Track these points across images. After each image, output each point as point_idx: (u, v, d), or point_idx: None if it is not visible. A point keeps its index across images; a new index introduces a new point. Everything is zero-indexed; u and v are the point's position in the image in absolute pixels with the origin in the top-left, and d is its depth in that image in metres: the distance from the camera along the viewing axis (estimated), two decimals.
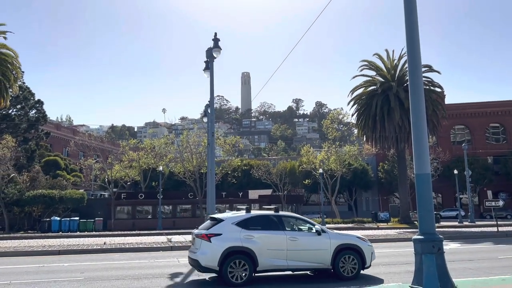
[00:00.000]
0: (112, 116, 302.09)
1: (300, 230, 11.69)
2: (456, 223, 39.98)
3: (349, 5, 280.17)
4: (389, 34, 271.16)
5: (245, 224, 11.09)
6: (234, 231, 10.86)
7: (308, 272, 12.09)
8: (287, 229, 11.42)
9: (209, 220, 11.92)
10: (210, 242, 10.65)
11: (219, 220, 11.27)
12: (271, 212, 11.81)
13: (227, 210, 13.20)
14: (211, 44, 22.17)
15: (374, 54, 40.78)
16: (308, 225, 11.85)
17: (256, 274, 10.88)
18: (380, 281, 10.97)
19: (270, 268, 10.93)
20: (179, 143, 45.31)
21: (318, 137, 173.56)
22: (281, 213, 11.97)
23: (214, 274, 11.22)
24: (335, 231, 12.88)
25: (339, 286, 10.39)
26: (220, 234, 10.77)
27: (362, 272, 11.51)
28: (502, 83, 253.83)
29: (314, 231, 11.53)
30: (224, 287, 10.59)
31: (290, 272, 11.73)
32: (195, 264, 10.92)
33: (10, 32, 34.19)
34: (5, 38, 33.46)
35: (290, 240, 11.06)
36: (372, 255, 11.76)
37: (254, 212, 11.83)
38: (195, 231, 11.63)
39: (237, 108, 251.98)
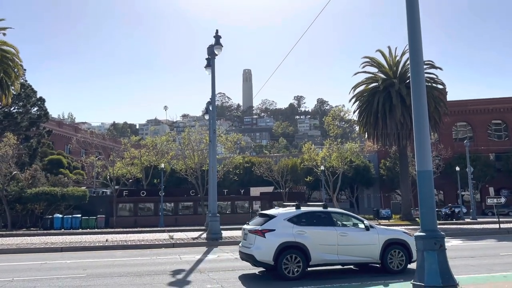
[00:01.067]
0: (114, 113, 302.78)
1: (348, 225, 12.03)
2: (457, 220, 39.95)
3: (351, 2, 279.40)
4: (391, 31, 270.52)
5: (296, 220, 11.36)
6: (286, 226, 11.13)
7: (352, 267, 12.38)
8: (336, 224, 11.71)
9: (258, 217, 12.23)
10: (265, 237, 10.93)
11: (271, 216, 11.53)
12: (320, 209, 12.10)
13: (275, 207, 13.43)
14: (212, 41, 22.12)
15: (376, 51, 40.73)
16: (355, 220, 12.22)
17: (308, 269, 11.13)
18: None
19: (322, 262, 11.23)
20: (181, 140, 45.27)
21: (319, 134, 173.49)
22: (329, 209, 12.30)
23: (262, 268, 11.62)
24: (382, 226, 13.15)
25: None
26: (273, 230, 11.02)
27: (408, 266, 11.70)
28: (505, 79, 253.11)
29: (362, 226, 11.82)
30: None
31: (340, 267, 12.02)
32: (250, 259, 11.23)
33: (10, 28, 34.15)
34: (4, 34, 33.42)
35: (340, 235, 11.35)
36: None
37: (304, 209, 12.05)
38: (247, 227, 11.88)
39: (238, 106, 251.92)
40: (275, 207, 13.28)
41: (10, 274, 12.23)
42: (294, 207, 11.92)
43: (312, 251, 10.92)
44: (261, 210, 44.61)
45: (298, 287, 9.99)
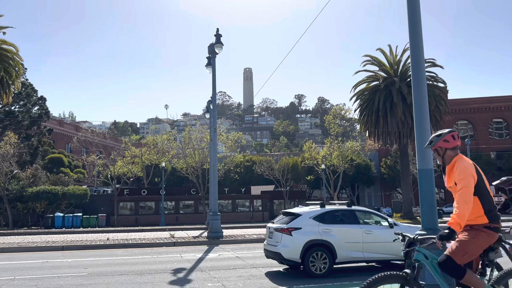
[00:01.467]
0: (115, 112, 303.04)
1: (372, 223, 12.19)
2: None
3: (352, 2, 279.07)
4: (393, 29, 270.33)
5: (322, 218, 11.52)
6: (312, 225, 11.28)
7: (374, 264, 12.49)
8: (360, 222, 11.85)
9: (282, 215, 12.33)
10: (291, 235, 11.06)
11: (296, 215, 11.64)
12: (345, 207, 12.26)
13: (300, 206, 13.51)
14: (213, 40, 22.11)
15: (377, 49, 40.76)
16: (378, 218, 12.37)
17: (334, 266, 11.27)
18: None
19: (348, 260, 11.38)
20: (182, 139, 45.34)
21: (320, 133, 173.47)
22: (354, 207, 12.43)
23: (285, 266, 11.80)
24: (405, 224, 13.36)
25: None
26: (299, 228, 11.16)
27: None
28: (505, 79, 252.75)
29: (386, 224, 11.96)
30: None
31: (364, 264, 12.18)
32: (276, 257, 11.37)
33: (11, 27, 34.23)
34: (4, 33, 33.46)
35: (365, 233, 11.51)
36: None
37: (329, 207, 12.19)
38: (272, 225, 11.99)
39: (239, 104, 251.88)
40: (299, 206, 13.37)
41: (12, 273, 12.25)
42: (319, 206, 12.05)
43: (338, 249, 11.05)
44: (262, 209, 45.01)
45: (299, 285, 9.99)
